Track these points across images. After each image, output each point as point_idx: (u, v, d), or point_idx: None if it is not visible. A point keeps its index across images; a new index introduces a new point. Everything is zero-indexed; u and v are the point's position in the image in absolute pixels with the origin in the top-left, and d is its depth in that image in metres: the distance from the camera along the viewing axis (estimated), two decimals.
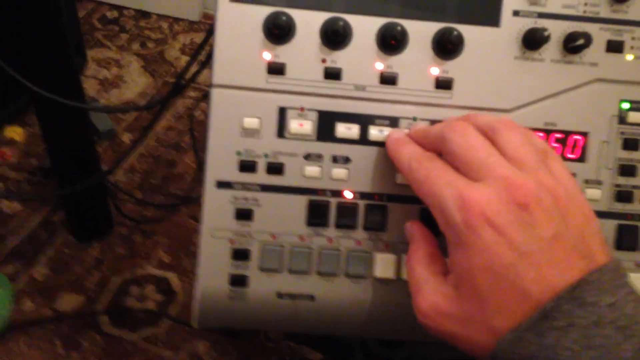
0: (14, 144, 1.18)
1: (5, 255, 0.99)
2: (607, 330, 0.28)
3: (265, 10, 0.37)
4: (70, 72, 0.86)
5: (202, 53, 0.60)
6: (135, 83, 1.33)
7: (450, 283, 0.33)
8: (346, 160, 0.39)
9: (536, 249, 0.30)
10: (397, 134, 0.38)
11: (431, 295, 0.33)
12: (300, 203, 0.39)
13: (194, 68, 0.65)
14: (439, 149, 0.35)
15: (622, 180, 0.40)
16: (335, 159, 0.39)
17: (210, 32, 0.45)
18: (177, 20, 1.52)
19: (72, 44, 0.84)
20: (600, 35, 0.39)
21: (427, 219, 0.37)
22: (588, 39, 0.38)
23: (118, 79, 1.34)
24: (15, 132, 1.18)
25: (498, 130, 0.34)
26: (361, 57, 0.38)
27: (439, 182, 0.32)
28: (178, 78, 0.68)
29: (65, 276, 0.97)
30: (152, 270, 0.99)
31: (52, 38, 0.81)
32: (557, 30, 0.38)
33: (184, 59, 1.41)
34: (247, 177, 0.39)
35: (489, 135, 0.34)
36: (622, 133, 0.40)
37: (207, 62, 0.44)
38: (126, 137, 1.21)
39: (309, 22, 0.38)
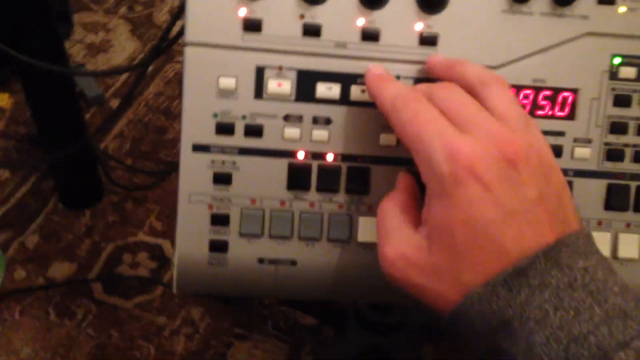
0: (0, 111, 1.16)
1: None
2: (578, 293, 0.28)
3: None
4: (53, 37, 0.84)
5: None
6: (123, 48, 1.30)
7: (422, 233, 0.32)
8: (327, 121, 0.38)
9: (520, 208, 0.29)
10: (378, 69, 0.36)
11: (400, 244, 0.32)
12: (280, 166, 0.38)
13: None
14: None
15: (613, 139, 0.38)
16: (315, 120, 0.37)
17: None
18: None
19: (55, 9, 0.81)
20: None
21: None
22: None
23: (105, 44, 1.31)
24: (1, 100, 1.16)
25: (488, 85, 0.33)
26: (341, 12, 0.37)
27: (427, 127, 0.31)
28: (161, 39, 0.65)
29: (57, 244, 0.97)
30: (144, 238, 0.98)
31: (33, 2, 0.79)
32: None
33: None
34: (224, 140, 0.37)
35: (478, 88, 0.33)
36: (613, 89, 0.38)
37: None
38: (115, 103, 1.19)
39: None
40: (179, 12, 0.62)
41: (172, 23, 0.63)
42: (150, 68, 1.20)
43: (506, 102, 0.32)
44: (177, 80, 1.24)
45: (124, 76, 1.24)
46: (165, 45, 0.66)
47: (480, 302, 0.29)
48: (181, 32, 0.64)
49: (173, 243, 0.96)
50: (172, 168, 1.07)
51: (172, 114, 1.18)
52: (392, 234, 0.33)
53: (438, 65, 0.36)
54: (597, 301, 0.28)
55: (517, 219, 0.29)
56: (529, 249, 0.29)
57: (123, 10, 1.40)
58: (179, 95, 1.24)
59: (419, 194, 0.35)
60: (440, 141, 0.30)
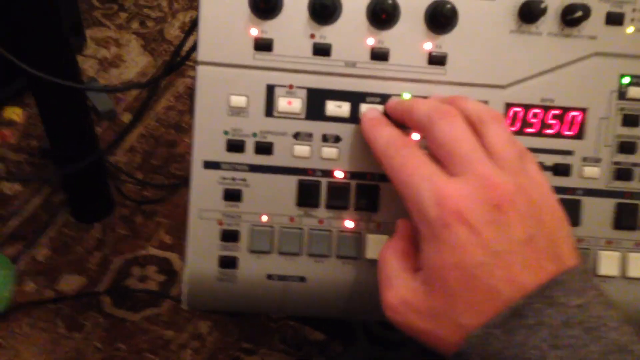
0: (13, 124, 1.17)
1: (6, 237, 0.99)
2: (575, 331, 0.28)
3: None
4: (66, 53, 0.85)
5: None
6: (135, 62, 1.32)
7: (420, 278, 0.32)
8: (336, 139, 0.38)
9: (508, 250, 0.29)
10: (372, 113, 0.37)
11: (400, 289, 0.33)
12: (290, 183, 0.38)
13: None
14: (420, 130, 0.34)
15: (622, 158, 0.39)
16: (325, 138, 0.38)
17: None
18: None
19: (67, 24, 0.83)
20: (599, 7, 0.37)
21: None
22: (587, 11, 0.36)
23: (117, 59, 1.33)
24: (14, 113, 1.17)
25: (486, 123, 0.33)
26: (351, 32, 0.37)
27: (416, 173, 0.32)
28: (174, 55, 0.66)
29: (67, 257, 0.97)
30: (154, 251, 0.99)
31: (46, 18, 0.80)
32: (554, 2, 0.37)
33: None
34: (235, 157, 0.38)
35: (476, 126, 0.33)
36: (622, 109, 0.38)
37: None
38: (126, 118, 1.20)
39: None
40: (191, 28, 0.63)
41: (184, 39, 0.64)
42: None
43: (502, 140, 0.32)
44: (188, 95, 1.25)
45: (136, 91, 1.25)
46: (178, 62, 0.67)
47: (479, 345, 0.29)
48: (193, 48, 0.65)
49: (182, 257, 0.97)
50: (182, 182, 1.08)
51: (182, 128, 1.19)
52: (393, 280, 0.33)
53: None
54: (594, 338, 0.28)
55: (506, 260, 0.29)
56: (522, 290, 0.29)
57: (135, 25, 1.42)
58: (190, 110, 1.25)
59: (417, 239, 0.36)
60: (429, 186, 0.31)
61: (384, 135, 0.35)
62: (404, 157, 0.33)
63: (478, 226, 0.29)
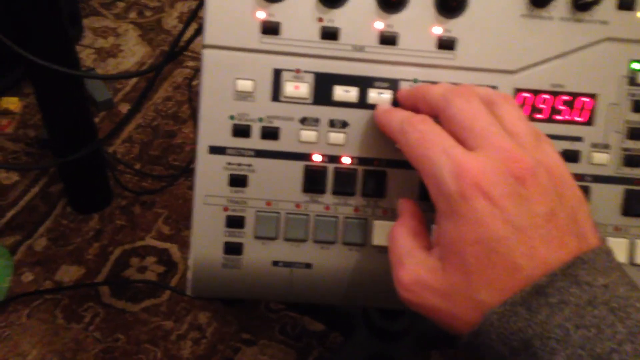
0: (10, 114, 1.16)
1: (3, 227, 0.99)
2: (600, 311, 0.27)
3: None
4: (64, 40, 0.84)
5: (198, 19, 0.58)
6: (133, 52, 1.31)
7: (434, 255, 0.32)
8: (344, 124, 0.37)
9: (530, 224, 0.29)
10: (385, 106, 0.37)
11: (414, 267, 0.32)
12: (296, 169, 0.38)
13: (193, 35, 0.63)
14: (435, 112, 0.33)
15: (631, 144, 0.38)
16: (332, 123, 0.37)
17: None
18: None
19: (65, 12, 0.82)
20: None
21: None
22: None
23: (115, 48, 1.32)
24: (11, 103, 1.16)
25: (497, 103, 0.33)
26: (360, 15, 0.37)
27: (434, 147, 0.31)
28: (173, 45, 0.66)
29: (65, 247, 0.96)
30: (152, 242, 0.98)
31: (45, 5, 0.79)
32: None
33: (182, 27, 1.38)
34: (241, 142, 0.37)
35: (489, 107, 0.33)
36: (632, 95, 0.38)
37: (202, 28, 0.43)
38: (124, 107, 1.19)
39: None
40: (191, 17, 0.62)
41: (184, 28, 0.64)
42: None
43: (515, 119, 0.32)
44: (186, 85, 1.24)
45: (133, 81, 1.24)
46: (178, 51, 0.66)
47: (499, 322, 0.28)
48: (192, 38, 0.64)
49: (181, 247, 0.97)
50: (180, 172, 1.07)
51: (180, 118, 1.18)
52: (405, 258, 0.33)
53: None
54: (619, 318, 0.27)
55: (528, 235, 0.29)
56: (544, 266, 0.28)
57: (133, 15, 1.41)
58: (188, 100, 1.25)
59: (424, 218, 0.35)
60: (447, 160, 0.30)
61: (398, 115, 0.35)
62: (421, 131, 0.32)
63: (499, 199, 0.29)
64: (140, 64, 1.28)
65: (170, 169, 1.09)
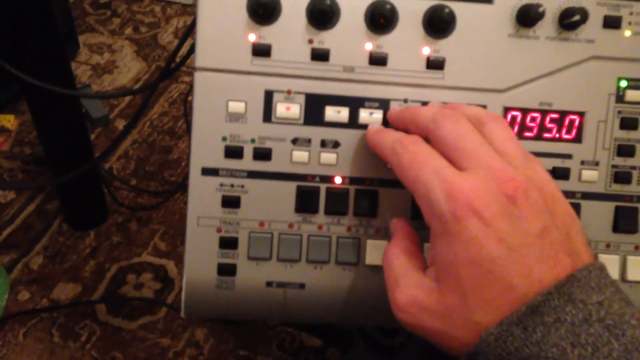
0: (5, 131, 1.17)
1: (0, 245, 0.99)
2: (595, 328, 0.27)
3: None
4: (60, 59, 0.84)
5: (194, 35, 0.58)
6: (128, 68, 1.32)
7: (430, 276, 0.32)
8: (335, 144, 0.38)
9: (523, 243, 0.29)
10: (377, 126, 0.37)
11: (409, 288, 0.32)
12: (288, 189, 0.38)
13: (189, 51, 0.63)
14: (425, 134, 0.34)
15: (620, 161, 0.39)
16: (324, 144, 0.38)
17: None
18: (169, 3, 1.50)
19: (62, 30, 0.82)
20: (596, 10, 0.37)
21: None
22: (584, 15, 0.36)
23: (111, 65, 1.32)
24: (7, 120, 1.17)
25: (486, 123, 0.33)
26: (349, 37, 0.37)
27: (425, 168, 0.31)
28: (168, 61, 0.66)
29: (61, 265, 0.96)
30: (149, 258, 0.98)
31: (41, 24, 0.79)
32: (552, 6, 0.37)
33: (177, 43, 1.39)
34: (233, 164, 0.37)
35: (478, 127, 0.33)
36: (620, 112, 0.38)
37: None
38: (120, 124, 1.20)
39: (294, 1, 0.36)
40: (187, 33, 0.62)
41: (180, 44, 0.64)
42: None
43: (505, 138, 0.32)
44: (182, 101, 1.25)
45: (129, 97, 1.25)
46: (174, 67, 0.67)
47: (496, 343, 0.28)
48: (188, 54, 0.65)
49: (178, 264, 0.96)
50: (176, 188, 1.07)
51: (176, 134, 1.18)
52: (401, 280, 0.33)
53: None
54: (615, 335, 0.27)
55: (522, 254, 0.29)
56: (539, 285, 0.28)
57: (128, 31, 1.41)
58: (184, 116, 1.25)
59: (417, 238, 0.35)
60: (439, 181, 0.30)
61: (390, 136, 0.35)
62: (413, 152, 0.32)
63: (491, 219, 0.29)
64: (136, 80, 1.29)
65: (167, 185, 1.09)
